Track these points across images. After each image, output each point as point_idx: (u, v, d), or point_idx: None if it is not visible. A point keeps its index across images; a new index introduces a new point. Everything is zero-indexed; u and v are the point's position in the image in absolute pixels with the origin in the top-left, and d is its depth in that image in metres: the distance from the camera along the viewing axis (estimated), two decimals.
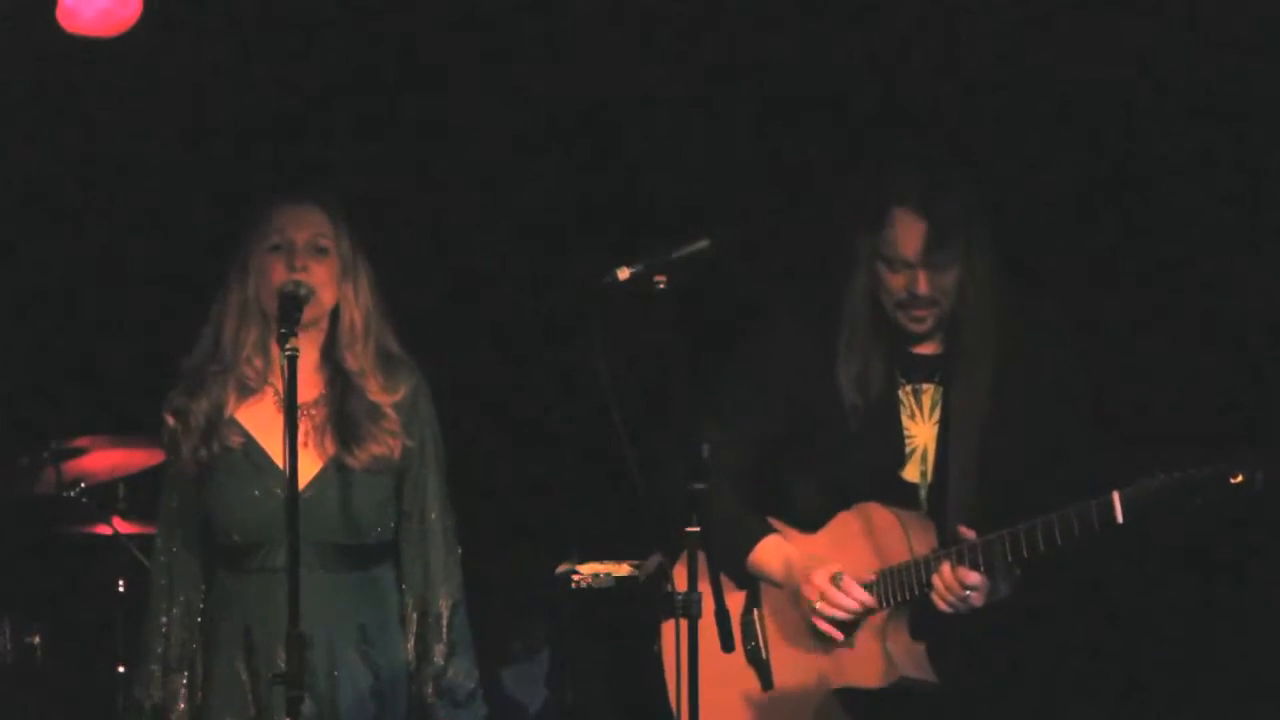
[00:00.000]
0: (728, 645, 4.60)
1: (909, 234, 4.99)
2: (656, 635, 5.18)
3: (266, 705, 4.83)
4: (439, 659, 4.96)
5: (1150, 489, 4.71)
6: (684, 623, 4.43)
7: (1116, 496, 4.73)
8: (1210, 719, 5.83)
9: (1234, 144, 5.87)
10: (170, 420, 4.95)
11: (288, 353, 4.69)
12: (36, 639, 6.39)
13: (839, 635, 5.01)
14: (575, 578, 6.30)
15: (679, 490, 4.49)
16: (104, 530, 6.53)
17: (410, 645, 4.97)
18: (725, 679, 4.92)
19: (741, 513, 5.10)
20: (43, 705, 6.60)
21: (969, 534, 4.90)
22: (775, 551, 5.08)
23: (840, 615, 4.99)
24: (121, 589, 6.50)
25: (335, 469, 4.93)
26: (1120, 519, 4.72)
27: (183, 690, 4.94)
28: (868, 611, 4.96)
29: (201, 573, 4.98)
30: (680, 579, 4.53)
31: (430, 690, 4.95)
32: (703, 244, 4.62)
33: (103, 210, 6.66)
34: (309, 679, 4.75)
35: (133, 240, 6.69)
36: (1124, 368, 5.87)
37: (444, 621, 4.97)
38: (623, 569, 6.25)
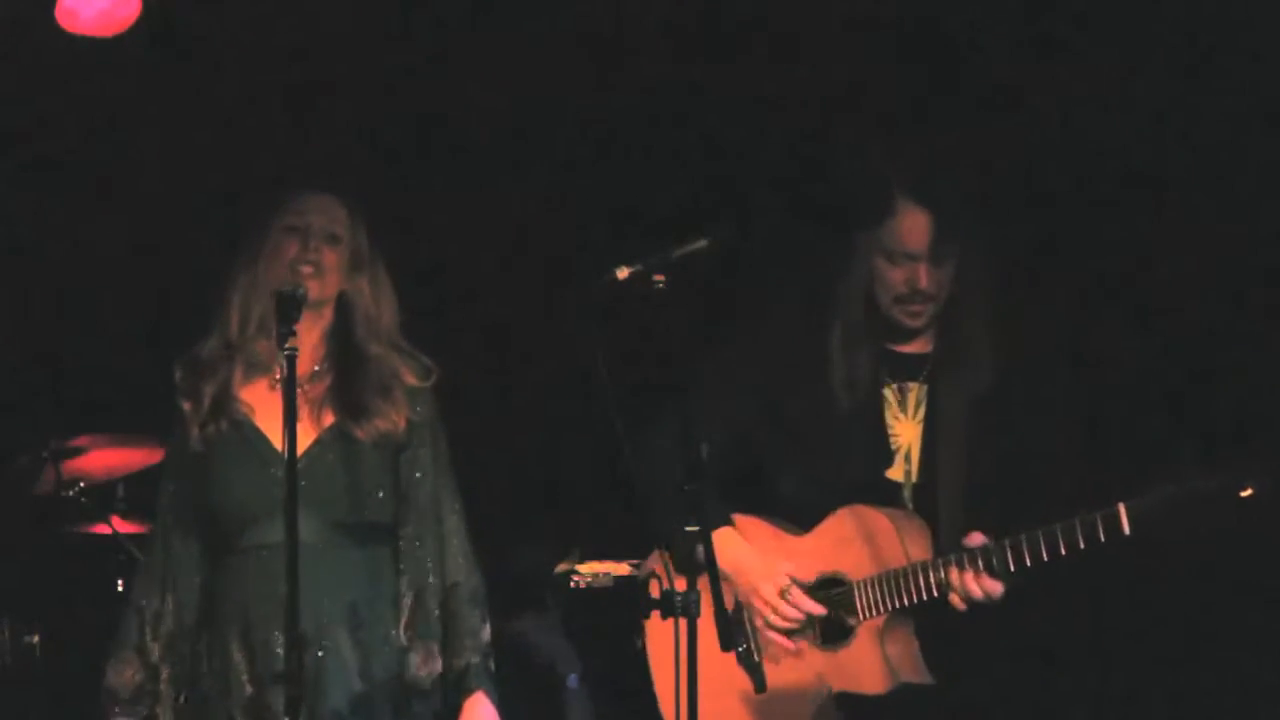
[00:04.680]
0: (727, 645, 4.60)
1: (914, 227, 5.00)
2: (640, 631, 5.17)
3: (265, 684, 4.84)
4: (469, 633, 4.97)
5: (1157, 501, 4.68)
6: (683, 622, 4.42)
7: (1123, 508, 4.71)
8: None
9: (1237, 151, 5.86)
10: (187, 406, 4.98)
11: (286, 352, 4.70)
12: (36, 639, 6.40)
13: (790, 645, 5.02)
14: (575, 578, 6.30)
15: (675, 489, 4.49)
16: (103, 530, 6.53)
17: (402, 627, 4.96)
18: (717, 682, 4.91)
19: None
20: (42, 705, 6.60)
21: (975, 540, 4.89)
22: (726, 545, 5.04)
23: (791, 628, 5.00)
24: (121, 589, 6.50)
25: (332, 442, 4.94)
26: (1127, 531, 4.70)
27: (165, 680, 4.95)
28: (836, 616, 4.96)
29: (198, 564, 4.98)
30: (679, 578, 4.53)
31: (470, 662, 4.95)
32: (702, 243, 4.62)
33: (102, 209, 6.66)
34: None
35: (133, 239, 6.69)
36: (1118, 373, 5.86)
37: (442, 604, 4.97)
38: (623, 569, 6.25)
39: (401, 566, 4.98)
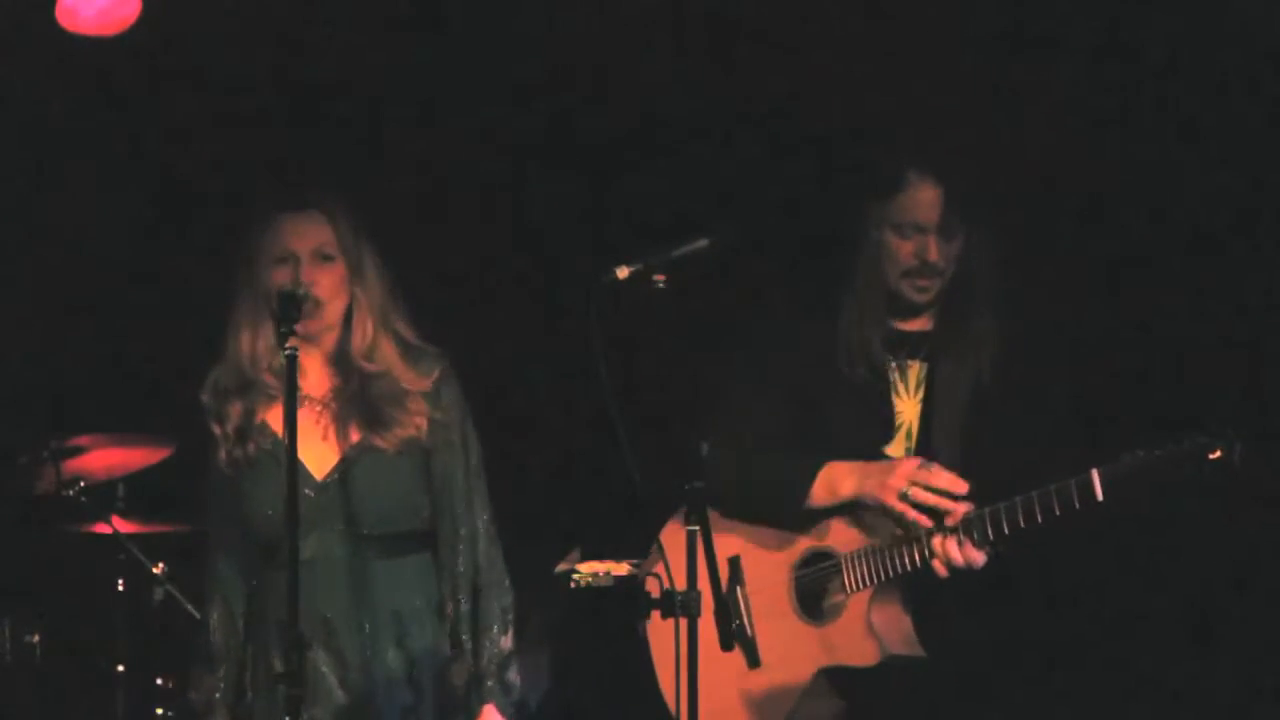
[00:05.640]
0: (727, 644, 4.60)
1: (924, 199, 5.04)
2: (644, 616, 5.17)
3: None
4: (485, 644, 4.97)
5: (1129, 466, 4.76)
6: (684, 621, 4.43)
7: (1096, 474, 4.78)
8: (1201, 697, 5.82)
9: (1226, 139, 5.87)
10: (216, 429, 4.99)
11: (287, 352, 4.71)
12: (36, 638, 6.40)
13: (928, 522, 4.97)
14: (575, 577, 6.30)
15: (675, 487, 4.50)
16: (103, 529, 6.53)
17: (449, 632, 4.97)
18: (711, 658, 4.92)
19: (784, 455, 5.08)
20: (43, 705, 6.61)
21: (959, 510, 4.92)
22: (844, 470, 5.04)
23: (932, 500, 4.96)
24: (121, 588, 6.50)
25: (359, 456, 4.95)
26: (1100, 496, 4.77)
27: (219, 687, 4.98)
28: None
29: (243, 575, 5.00)
30: (679, 577, 4.54)
31: (484, 674, 4.95)
32: (702, 243, 4.63)
33: (102, 209, 6.66)
34: (340, 669, 4.86)
35: (132, 239, 6.69)
36: (1106, 349, 5.86)
37: (481, 608, 4.97)
38: (623, 569, 6.25)
39: (442, 571, 4.99)
